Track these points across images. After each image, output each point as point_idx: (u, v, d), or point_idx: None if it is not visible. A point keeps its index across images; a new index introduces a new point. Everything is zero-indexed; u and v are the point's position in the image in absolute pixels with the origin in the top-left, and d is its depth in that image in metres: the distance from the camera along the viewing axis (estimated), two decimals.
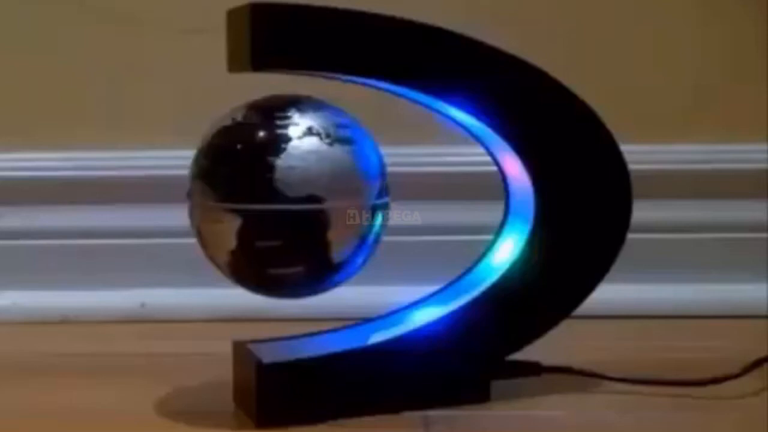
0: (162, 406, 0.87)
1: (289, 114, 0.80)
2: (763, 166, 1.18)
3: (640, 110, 1.18)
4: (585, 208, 0.87)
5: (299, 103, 0.81)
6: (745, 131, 1.19)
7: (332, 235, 0.79)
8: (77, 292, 1.18)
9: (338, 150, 0.79)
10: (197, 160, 0.82)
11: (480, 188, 1.06)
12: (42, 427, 0.85)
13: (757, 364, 0.92)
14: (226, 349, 0.88)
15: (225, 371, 0.88)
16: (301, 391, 0.83)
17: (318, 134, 0.79)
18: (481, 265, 0.89)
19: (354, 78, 0.83)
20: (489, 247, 0.89)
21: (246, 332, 0.90)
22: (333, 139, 0.79)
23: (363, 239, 0.81)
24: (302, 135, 0.79)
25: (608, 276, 0.89)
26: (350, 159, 0.80)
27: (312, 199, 0.78)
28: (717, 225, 1.19)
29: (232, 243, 0.79)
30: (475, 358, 0.87)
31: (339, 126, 0.80)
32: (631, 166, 0.88)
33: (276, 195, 0.78)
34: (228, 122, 0.81)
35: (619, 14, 1.19)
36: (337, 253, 0.80)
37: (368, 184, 0.81)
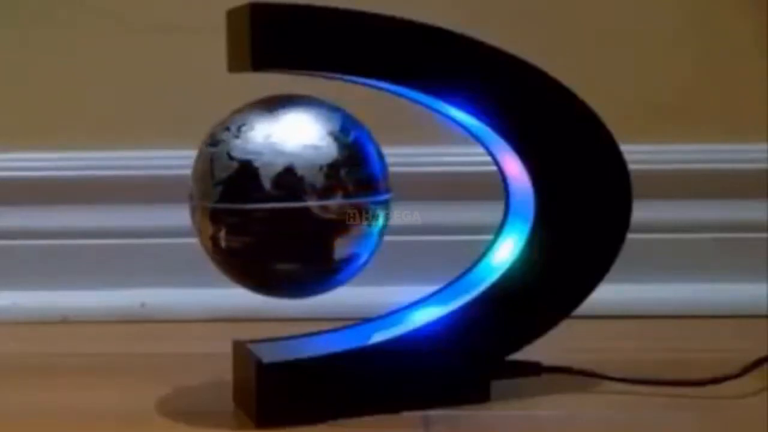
0: (162, 406, 0.87)
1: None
2: (763, 166, 1.18)
3: (640, 110, 1.18)
4: (585, 208, 0.87)
5: (293, 103, 0.81)
6: (745, 131, 1.19)
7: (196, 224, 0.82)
8: (77, 292, 1.18)
9: (205, 151, 0.81)
10: None
11: (480, 188, 1.06)
12: (42, 427, 0.85)
13: (757, 364, 0.92)
14: (226, 349, 0.88)
15: (225, 371, 0.88)
16: (301, 391, 0.83)
17: (209, 135, 0.81)
18: (481, 265, 0.89)
19: (354, 78, 0.83)
20: (489, 247, 0.89)
21: (246, 332, 0.90)
22: (212, 141, 0.81)
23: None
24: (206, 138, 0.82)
25: (608, 276, 0.89)
26: (207, 161, 0.80)
27: (191, 197, 0.82)
28: (717, 225, 1.19)
29: None
30: (475, 358, 0.87)
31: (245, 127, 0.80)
32: (631, 166, 0.88)
33: None
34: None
35: (619, 14, 1.19)
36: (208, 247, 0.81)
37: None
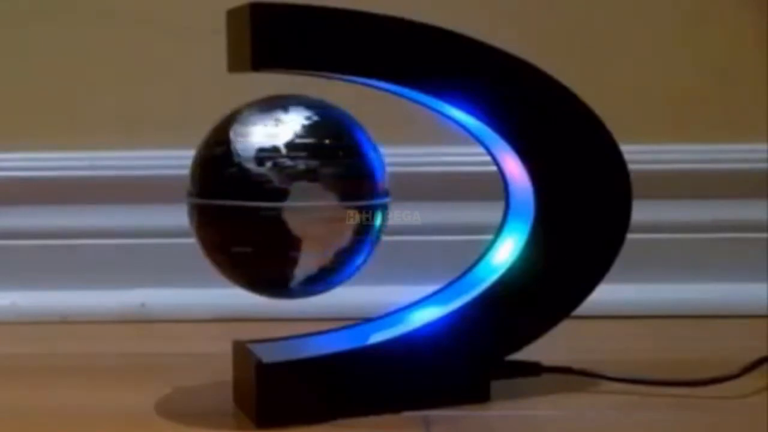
0: (162, 406, 0.87)
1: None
2: (763, 166, 1.18)
3: (639, 110, 1.18)
4: (585, 208, 0.87)
5: (292, 103, 0.81)
6: (745, 131, 1.19)
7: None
8: (77, 292, 1.17)
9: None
10: None
11: (480, 188, 1.06)
12: (42, 427, 0.85)
13: (757, 364, 0.92)
14: (226, 349, 0.88)
15: (225, 371, 0.88)
16: (301, 391, 0.83)
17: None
18: (481, 265, 0.89)
19: (354, 78, 0.83)
20: (489, 247, 0.89)
21: (246, 332, 0.90)
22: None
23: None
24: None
25: (608, 276, 0.89)
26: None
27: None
28: (717, 225, 1.19)
29: None
30: (475, 358, 0.87)
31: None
32: (631, 166, 0.88)
33: None
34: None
35: (619, 14, 1.19)
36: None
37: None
